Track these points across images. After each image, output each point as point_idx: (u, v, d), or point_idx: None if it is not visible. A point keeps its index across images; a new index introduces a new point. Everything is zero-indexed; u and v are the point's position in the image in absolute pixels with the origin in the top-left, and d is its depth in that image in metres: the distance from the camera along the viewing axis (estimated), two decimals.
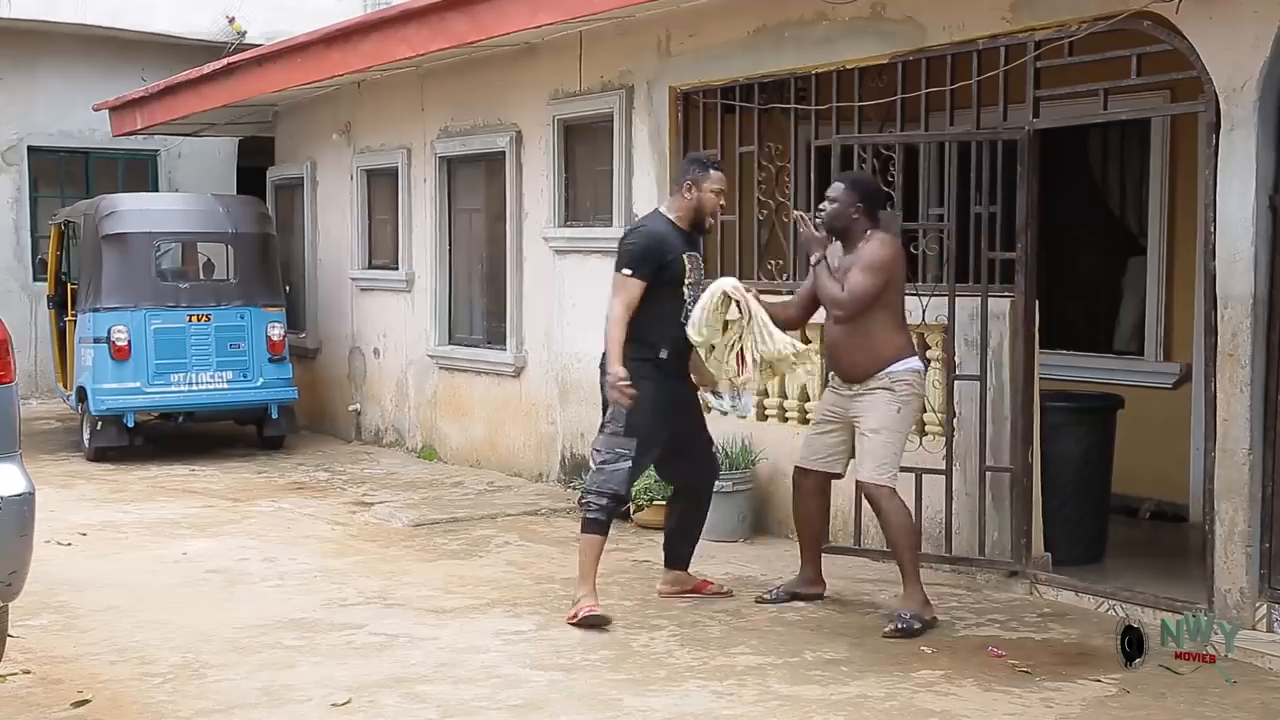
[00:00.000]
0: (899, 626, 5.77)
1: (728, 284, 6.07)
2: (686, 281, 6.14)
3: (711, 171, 6.27)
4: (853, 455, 6.16)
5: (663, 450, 6.20)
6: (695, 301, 6.08)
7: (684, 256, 6.15)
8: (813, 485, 6.29)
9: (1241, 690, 5.02)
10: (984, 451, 6.57)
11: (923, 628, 5.79)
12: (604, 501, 6.04)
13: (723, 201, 6.34)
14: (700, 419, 6.40)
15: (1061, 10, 6.24)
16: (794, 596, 6.32)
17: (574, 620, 5.93)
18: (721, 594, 6.41)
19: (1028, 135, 6.41)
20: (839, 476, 6.28)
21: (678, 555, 6.48)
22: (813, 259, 6.13)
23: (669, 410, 6.12)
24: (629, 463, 6.03)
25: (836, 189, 6.21)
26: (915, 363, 6.13)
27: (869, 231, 6.08)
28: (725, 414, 6.74)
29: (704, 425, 6.43)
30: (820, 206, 6.27)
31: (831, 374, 6.33)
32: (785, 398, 7.74)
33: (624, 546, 7.31)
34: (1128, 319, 8.70)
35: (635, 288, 6.06)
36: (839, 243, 6.16)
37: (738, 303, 6.02)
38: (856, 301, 5.97)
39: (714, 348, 6.09)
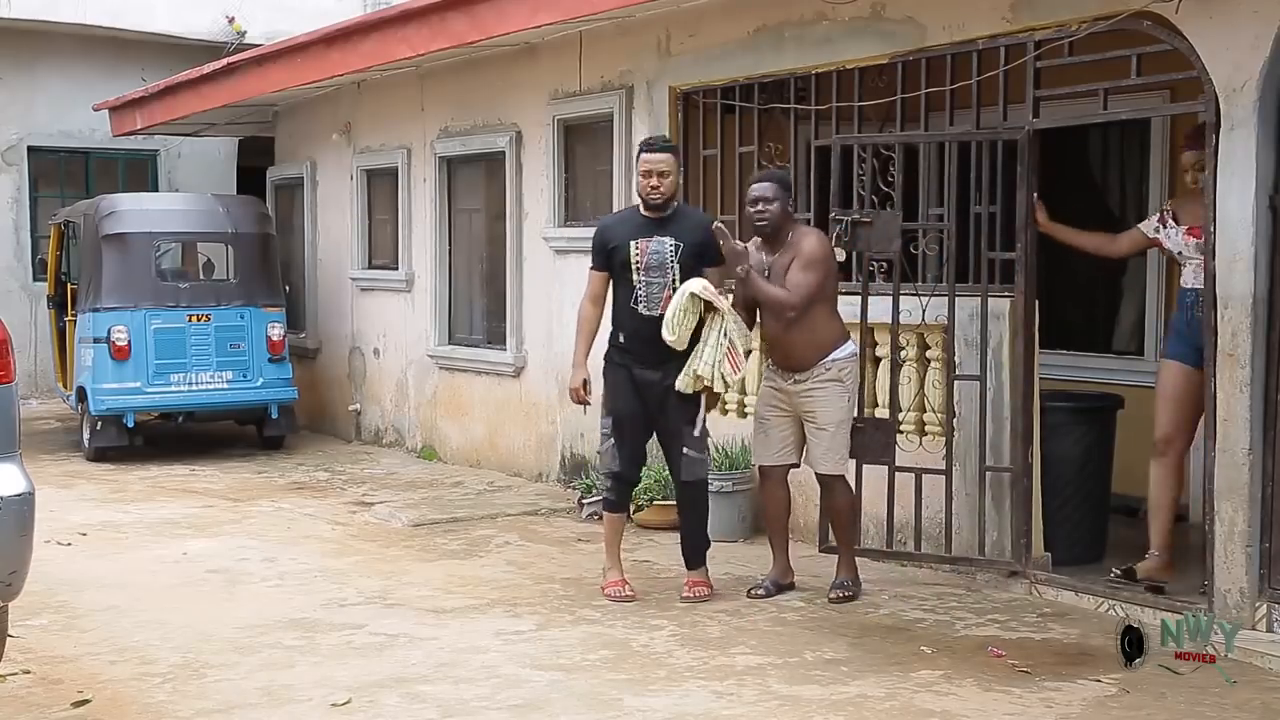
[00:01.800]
0: (844, 594, 6.33)
1: (695, 285, 6.15)
2: (634, 265, 6.25)
3: (642, 155, 6.38)
4: (803, 441, 6.40)
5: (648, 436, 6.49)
6: (647, 285, 6.22)
7: (630, 242, 6.26)
8: (778, 478, 6.51)
9: (1241, 690, 5.02)
10: (984, 451, 6.57)
11: (858, 591, 6.39)
12: (608, 482, 6.50)
13: (654, 181, 6.29)
14: (675, 418, 6.32)
15: (1061, 10, 6.24)
16: (779, 588, 6.46)
17: (603, 591, 6.40)
18: (699, 599, 6.34)
19: (1028, 135, 6.41)
20: (796, 466, 6.51)
21: (683, 555, 6.56)
22: (739, 271, 6.22)
23: (635, 392, 6.31)
24: (613, 440, 6.39)
25: (769, 189, 6.33)
26: (852, 347, 6.44)
27: (794, 227, 6.35)
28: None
29: (680, 425, 6.32)
30: (759, 210, 6.30)
31: (768, 366, 6.51)
32: None
33: (625, 546, 7.27)
34: (1127, 319, 8.69)
35: (594, 279, 6.47)
36: (757, 245, 6.34)
37: (708, 303, 6.13)
38: (806, 300, 6.21)
39: (705, 351, 6.13)
